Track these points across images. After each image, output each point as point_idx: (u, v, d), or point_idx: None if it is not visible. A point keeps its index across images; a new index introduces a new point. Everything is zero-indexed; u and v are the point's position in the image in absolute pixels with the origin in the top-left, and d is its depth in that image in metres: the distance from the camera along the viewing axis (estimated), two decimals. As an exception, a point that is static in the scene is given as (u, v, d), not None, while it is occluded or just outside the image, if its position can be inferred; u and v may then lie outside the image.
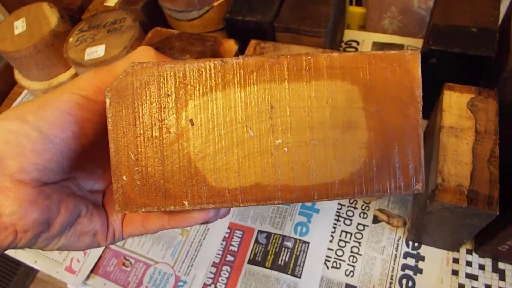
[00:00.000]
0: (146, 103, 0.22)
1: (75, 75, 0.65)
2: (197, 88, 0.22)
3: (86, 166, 0.26)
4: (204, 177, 0.22)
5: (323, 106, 0.22)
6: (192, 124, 0.22)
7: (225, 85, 0.22)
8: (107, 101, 0.22)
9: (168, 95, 0.22)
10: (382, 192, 0.22)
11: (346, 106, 0.22)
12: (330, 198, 0.22)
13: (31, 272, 1.21)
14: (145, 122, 0.22)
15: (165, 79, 0.22)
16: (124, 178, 0.22)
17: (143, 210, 0.22)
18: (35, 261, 0.57)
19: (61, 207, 0.22)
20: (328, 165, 0.22)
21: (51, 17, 0.62)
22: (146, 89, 0.22)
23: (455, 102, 0.42)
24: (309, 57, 0.22)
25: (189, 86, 0.22)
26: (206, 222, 0.24)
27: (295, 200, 0.22)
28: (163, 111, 0.22)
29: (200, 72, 0.22)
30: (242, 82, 0.22)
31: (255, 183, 0.22)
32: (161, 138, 0.22)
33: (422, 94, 0.22)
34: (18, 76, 0.69)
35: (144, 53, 0.24)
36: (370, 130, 0.22)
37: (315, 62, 0.22)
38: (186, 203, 0.22)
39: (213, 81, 0.22)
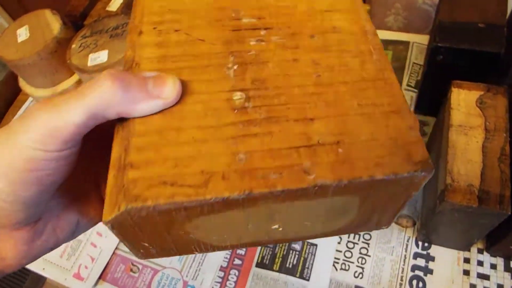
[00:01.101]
0: None
1: (79, 81, 0.65)
2: None
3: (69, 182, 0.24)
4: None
5: (321, 209, 0.21)
6: None
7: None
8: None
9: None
10: (346, 233, 0.25)
11: (343, 210, 0.22)
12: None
13: (39, 280, 1.21)
14: None
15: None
16: None
17: None
18: (43, 269, 0.57)
19: (57, 232, 0.23)
20: (315, 232, 0.24)
21: (54, 24, 0.62)
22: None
23: (464, 99, 0.41)
24: (316, 188, 0.18)
25: None
26: None
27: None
28: None
29: None
30: None
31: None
32: None
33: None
34: (22, 83, 0.69)
35: (108, 96, 0.19)
36: (360, 212, 0.22)
37: (322, 193, 0.19)
38: None
39: None
